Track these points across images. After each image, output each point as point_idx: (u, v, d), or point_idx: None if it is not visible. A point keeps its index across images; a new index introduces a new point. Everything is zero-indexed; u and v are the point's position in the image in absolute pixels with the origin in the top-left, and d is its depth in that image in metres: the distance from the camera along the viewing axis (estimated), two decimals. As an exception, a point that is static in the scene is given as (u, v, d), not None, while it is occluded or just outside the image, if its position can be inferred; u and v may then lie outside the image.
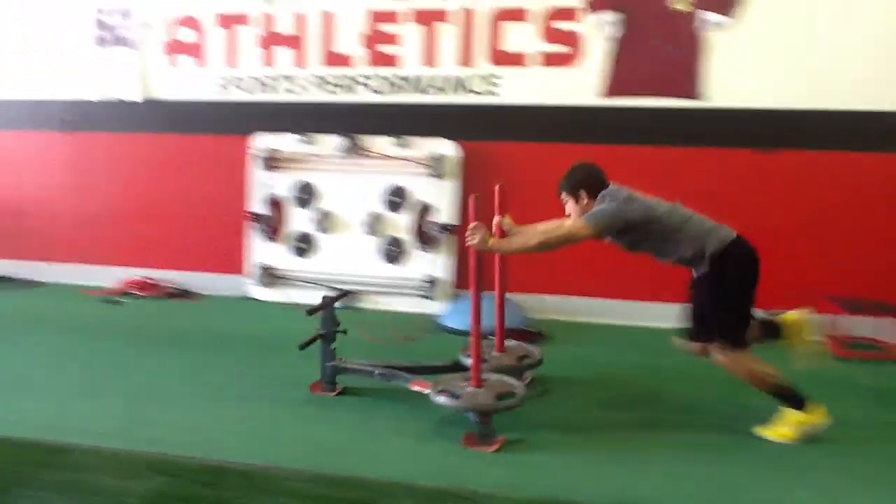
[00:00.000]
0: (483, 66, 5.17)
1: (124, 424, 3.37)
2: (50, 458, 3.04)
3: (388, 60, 5.30)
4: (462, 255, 5.20)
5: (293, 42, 5.42)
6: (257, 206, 5.47)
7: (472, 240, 3.15)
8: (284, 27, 5.42)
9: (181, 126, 5.65)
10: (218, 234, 5.61)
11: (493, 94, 5.18)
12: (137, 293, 5.51)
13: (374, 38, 5.31)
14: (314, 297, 4.40)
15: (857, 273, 4.75)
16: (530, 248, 3.28)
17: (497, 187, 3.66)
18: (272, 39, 5.45)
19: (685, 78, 4.92)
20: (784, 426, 3.18)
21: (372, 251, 5.34)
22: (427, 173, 5.22)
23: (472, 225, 3.16)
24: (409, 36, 5.25)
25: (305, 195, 5.42)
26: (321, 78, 5.40)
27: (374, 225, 5.31)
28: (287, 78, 5.45)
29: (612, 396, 3.78)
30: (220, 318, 5.11)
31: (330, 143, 5.38)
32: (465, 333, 3.94)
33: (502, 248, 3.42)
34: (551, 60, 5.07)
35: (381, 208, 5.32)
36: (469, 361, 3.32)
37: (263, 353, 4.28)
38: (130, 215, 5.79)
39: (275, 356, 4.18)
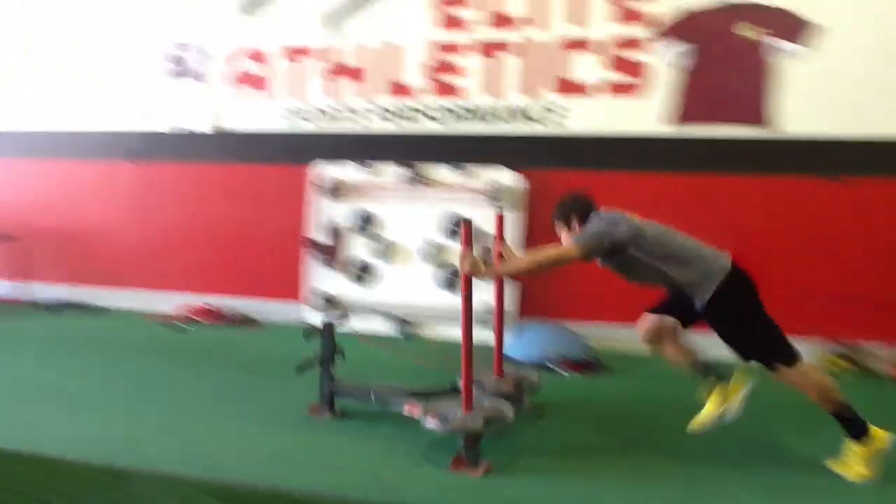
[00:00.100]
0: (547, 95, 5.14)
1: (183, 449, 3.36)
2: (114, 481, 3.02)
3: (450, 90, 5.32)
4: (525, 284, 5.12)
5: (356, 73, 5.48)
6: (318, 234, 5.49)
7: (464, 266, 3.15)
8: (348, 58, 5.49)
9: (246, 156, 5.74)
10: (279, 261, 5.64)
11: (558, 123, 5.13)
12: (200, 319, 5.56)
13: (437, 69, 5.33)
14: (373, 325, 4.40)
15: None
16: (521, 270, 3.40)
17: (496, 215, 3.75)
18: (336, 71, 5.52)
19: (753, 106, 4.82)
20: (856, 464, 3.02)
21: (431, 280, 5.30)
22: (488, 203, 5.17)
23: (462, 251, 3.17)
24: (472, 66, 5.26)
25: (366, 223, 5.42)
26: (384, 108, 5.44)
27: (433, 254, 5.27)
28: (350, 108, 5.50)
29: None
30: (277, 344, 5.10)
31: (391, 172, 5.39)
32: (530, 364, 3.88)
33: (493, 273, 3.43)
34: (618, 90, 5.02)
35: (441, 237, 5.29)
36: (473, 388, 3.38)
37: (313, 380, 4.22)
38: (195, 243, 5.88)
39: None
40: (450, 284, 5.24)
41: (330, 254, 5.47)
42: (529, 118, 5.19)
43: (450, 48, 5.30)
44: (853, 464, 3.03)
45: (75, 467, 3.11)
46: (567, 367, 4.49)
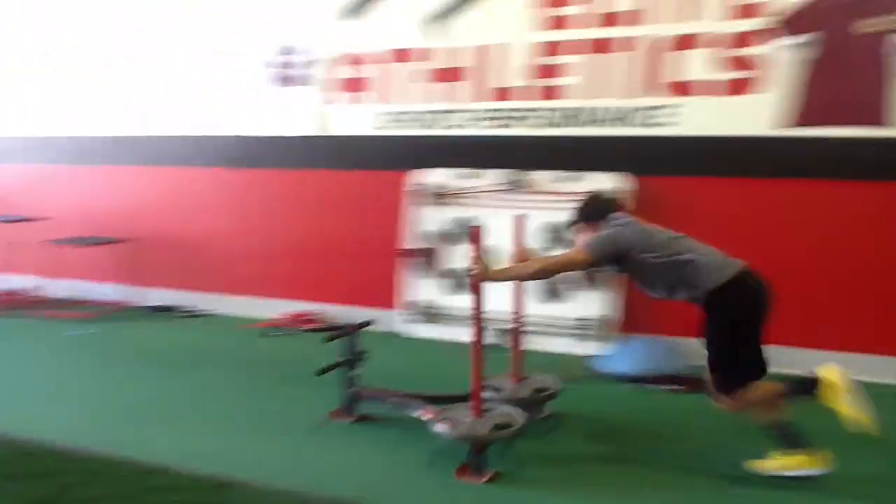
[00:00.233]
0: (655, 96, 4.87)
1: (273, 460, 3.33)
2: (216, 494, 3.01)
3: (553, 93, 5.11)
4: (630, 294, 4.88)
5: (455, 76, 5.35)
6: (415, 241, 5.40)
7: (474, 270, 3.18)
8: (449, 62, 5.36)
9: (344, 161, 5.70)
10: (376, 269, 5.57)
11: (666, 125, 4.85)
12: (297, 326, 5.56)
13: (540, 71, 5.13)
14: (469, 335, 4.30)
15: None
16: (528, 274, 3.35)
17: (516, 219, 3.74)
18: (437, 74, 5.41)
19: (874, 105, 4.41)
20: (778, 461, 3.08)
21: (532, 289, 5.11)
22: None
23: (472, 255, 3.18)
24: (577, 67, 5.04)
25: (464, 230, 5.27)
26: (483, 112, 5.29)
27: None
28: (448, 112, 5.38)
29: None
30: (372, 353, 5.04)
31: (490, 178, 5.23)
32: (630, 378, 3.72)
33: (501, 277, 3.38)
34: (731, 89, 4.70)
35: (542, 244, 5.09)
36: (487, 393, 3.43)
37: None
38: (295, 249, 5.89)
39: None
40: (550, 294, 5.05)
41: (427, 262, 5.36)
42: (635, 120, 4.93)
43: (553, 48, 5.10)
44: (776, 460, 3.08)
45: (178, 478, 3.13)
46: (663, 383, 4.28)
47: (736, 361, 3.08)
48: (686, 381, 4.18)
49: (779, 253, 4.51)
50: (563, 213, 4.95)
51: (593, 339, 4.93)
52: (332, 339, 3.71)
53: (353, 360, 3.74)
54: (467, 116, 5.34)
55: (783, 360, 4.33)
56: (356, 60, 5.63)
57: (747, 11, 4.64)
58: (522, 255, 3.67)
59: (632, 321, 4.93)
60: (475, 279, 3.20)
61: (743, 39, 4.66)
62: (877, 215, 4.48)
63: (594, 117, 5.03)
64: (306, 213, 5.85)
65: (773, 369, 3.10)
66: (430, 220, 5.38)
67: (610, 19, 4.94)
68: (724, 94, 4.72)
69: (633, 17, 4.89)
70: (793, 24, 4.57)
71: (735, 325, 3.06)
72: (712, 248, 3.17)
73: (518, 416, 3.26)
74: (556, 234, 5.01)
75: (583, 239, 3.33)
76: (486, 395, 3.38)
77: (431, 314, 5.35)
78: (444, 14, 5.36)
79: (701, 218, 4.64)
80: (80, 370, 4.74)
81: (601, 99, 5.00)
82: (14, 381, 4.49)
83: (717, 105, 4.74)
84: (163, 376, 4.57)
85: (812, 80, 4.55)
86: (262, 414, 3.94)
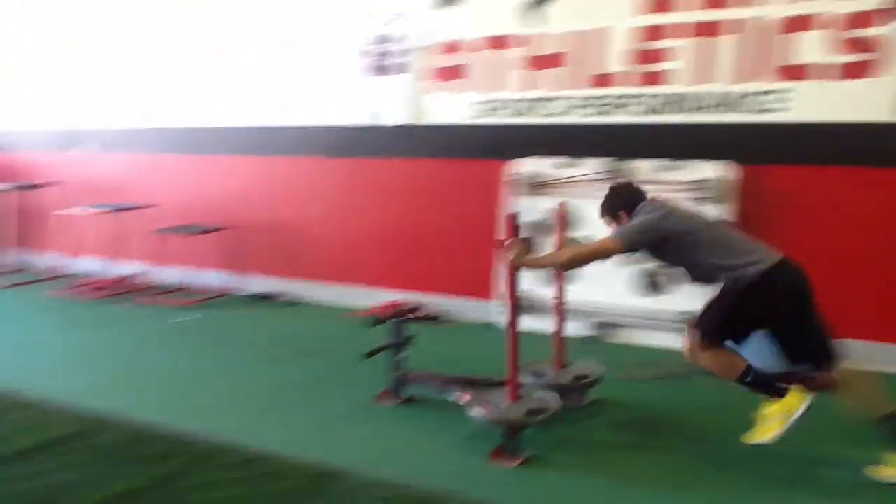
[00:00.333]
0: (765, 80, 4.66)
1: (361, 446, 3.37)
2: (318, 483, 3.06)
3: (656, 78, 4.96)
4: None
5: (556, 63, 5.25)
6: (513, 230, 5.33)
7: (508, 255, 3.26)
8: (548, 48, 5.26)
9: (442, 150, 5.69)
10: (472, 259, 5.54)
11: (776, 111, 4.65)
12: (392, 316, 5.58)
13: (642, 56, 4.99)
14: (569, 327, 4.34)
15: None
16: (560, 263, 3.42)
17: (559, 205, 3.85)
18: (535, 61, 5.32)
19: None
20: (766, 422, 3.03)
21: (630, 281, 4.99)
22: (696, 198, 4.78)
23: (508, 241, 3.27)
24: (681, 51, 4.87)
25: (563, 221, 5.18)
26: (584, 99, 5.17)
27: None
28: (549, 100, 5.28)
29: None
30: (464, 343, 5.04)
31: (591, 166, 5.12)
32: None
33: (534, 264, 3.45)
34: (847, 72, 4.45)
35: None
36: (528, 379, 3.58)
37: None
38: (391, 238, 5.92)
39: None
40: (650, 287, 4.92)
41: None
42: (742, 106, 4.73)
43: (656, 32, 4.94)
44: (764, 425, 3.04)
45: (282, 465, 3.19)
46: (786, 381, 4.07)
47: (729, 326, 3.10)
48: (791, 380, 4.01)
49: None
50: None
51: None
52: (376, 323, 3.92)
53: (399, 344, 3.87)
54: (566, 104, 5.24)
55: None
56: (452, 48, 5.59)
57: (867, -12, 4.40)
58: (563, 244, 3.73)
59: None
60: (511, 264, 3.28)
61: (860, 20, 4.41)
62: None
63: (698, 103, 4.86)
64: (403, 202, 5.87)
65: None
66: (527, 209, 5.30)
67: (717, 1, 4.75)
68: (839, 79, 4.48)
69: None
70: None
71: (759, 310, 3.06)
72: (747, 236, 3.24)
73: (553, 402, 3.32)
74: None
75: (613, 228, 3.38)
76: (526, 380, 3.54)
77: (527, 305, 5.28)
78: (542, -1, 5.27)
79: (809, 208, 4.45)
80: (185, 355, 4.90)
81: (706, 84, 4.83)
82: (124, 365, 4.67)
83: (831, 90, 4.51)
84: (264, 363, 4.66)
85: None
86: (352, 401, 3.98)
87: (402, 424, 3.68)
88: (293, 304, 6.17)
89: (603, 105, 5.13)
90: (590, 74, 5.15)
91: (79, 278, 6.92)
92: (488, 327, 5.35)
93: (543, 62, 5.30)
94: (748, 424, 3.17)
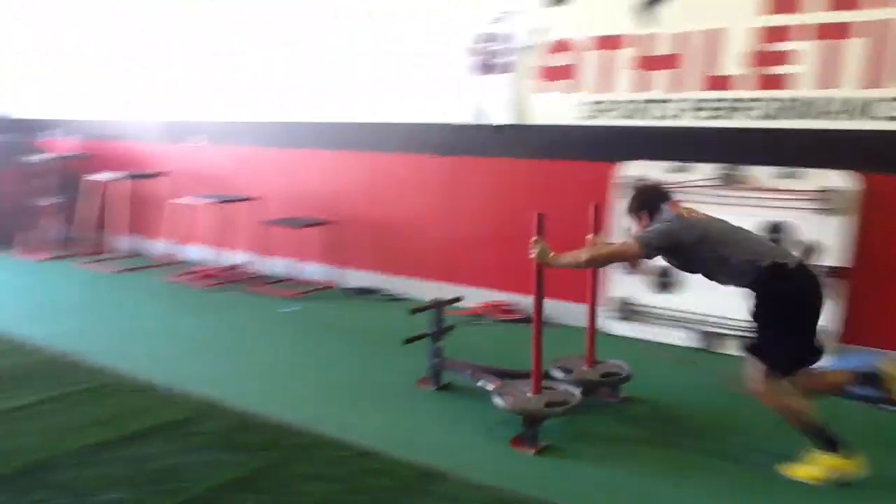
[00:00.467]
0: (896, 85, 4.41)
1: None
2: (421, 482, 3.07)
3: (776, 82, 4.75)
4: (853, 303, 4.48)
5: (670, 64, 5.09)
6: (620, 237, 5.21)
7: (533, 252, 3.43)
8: (661, 49, 5.11)
9: (547, 151, 5.61)
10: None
11: (908, 118, 4.39)
12: (494, 316, 5.55)
13: (762, 58, 4.78)
14: (672, 336, 4.29)
15: None
16: (580, 262, 3.49)
17: (592, 206, 3.98)
18: (647, 62, 5.18)
19: None
20: (813, 466, 3.06)
21: (741, 291, 4.80)
22: (815, 209, 4.57)
23: (533, 238, 3.43)
24: (804, 54, 4.65)
25: (672, 227, 5.04)
26: (698, 101, 5.00)
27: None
28: (661, 102, 5.13)
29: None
30: (565, 348, 4.95)
31: (703, 171, 4.96)
32: (851, 397, 3.72)
33: (556, 262, 3.50)
34: None
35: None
36: (558, 374, 3.82)
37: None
38: (493, 238, 5.87)
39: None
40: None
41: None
42: (871, 112, 4.48)
43: (777, 34, 4.72)
44: (810, 466, 3.05)
45: (385, 462, 3.21)
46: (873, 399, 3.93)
47: (782, 348, 3.10)
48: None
49: None
50: (779, 212, 4.66)
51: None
52: (415, 311, 4.14)
53: (438, 333, 4.07)
54: (678, 106, 5.08)
55: None
56: (561, 48, 5.50)
57: None
58: (592, 244, 3.88)
59: (854, 333, 4.53)
60: (536, 262, 3.45)
61: None
62: None
63: (821, 109, 4.63)
64: (506, 202, 5.82)
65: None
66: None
67: (847, 2, 4.51)
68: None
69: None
70: None
71: (784, 316, 3.08)
72: (765, 240, 3.33)
73: (573, 396, 3.50)
74: (773, 235, 4.68)
75: (636, 229, 3.48)
76: (554, 374, 3.83)
77: (631, 312, 5.16)
78: (657, -2, 5.12)
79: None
80: (286, 345, 4.99)
81: (832, 89, 4.59)
82: (229, 353, 4.79)
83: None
84: (365, 357, 4.70)
85: None
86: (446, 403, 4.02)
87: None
88: (393, 299, 6.20)
89: (717, 108, 4.95)
90: (704, 76, 4.98)
91: (188, 265, 7.14)
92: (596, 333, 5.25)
93: (656, 63, 5.16)
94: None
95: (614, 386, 3.98)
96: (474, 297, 5.78)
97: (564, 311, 5.44)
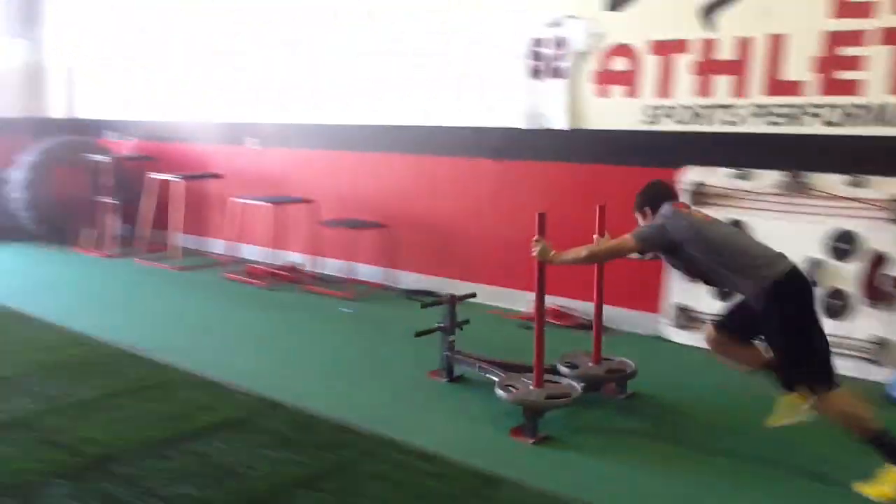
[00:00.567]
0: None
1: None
2: (483, 488, 3.06)
3: (845, 87, 4.63)
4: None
5: (733, 68, 5.00)
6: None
7: (535, 251, 3.57)
8: (724, 53, 5.03)
9: (605, 156, 5.55)
10: (639, 269, 5.35)
11: None
12: (552, 321, 5.50)
13: (830, 62, 4.67)
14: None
15: None
16: (580, 259, 3.58)
17: (598, 208, 4.11)
18: (710, 66, 5.09)
19: None
20: (885, 484, 2.94)
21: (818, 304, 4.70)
22: (885, 218, 4.44)
23: (535, 238, 3.58)
24: (876, 59, 4.53)
25: (734, 234, 4.95)
26: (763, 107, 4.91)
27: (813, 273, 4.65)
28: (724, 107, 5.04)
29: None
30: (623, 354, 4.90)
31: (767, 178, 4.86)
32: None
33: (557, 260, 3.59)
34: None
35: (823, 255, 4.66)
36: (564, 369, 3.94)
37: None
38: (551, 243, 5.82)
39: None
40: (832, 310, 4.60)
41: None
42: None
43: (845, 38, 4.61)
44: (882, 483, 2.94)
45: (447, 466, 3.21)
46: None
47: (817, 355, 3.06)
48: None
49: None
50: (848, 221, 4.54)
51: (882, 364, 4.43)
52: (426, 305, 4.39)
53: (451, 327, 4.23)
54: (741, 112, 4.99)
55: None
56: (620, 52, 5.44)
57: None
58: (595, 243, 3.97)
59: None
60: (537, 260, 3.59)
61: None
62: None
63: (891, 115, 4.50)
64: (563, 207, 5.73)
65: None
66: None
67: (923, 6, 4.39)
68: None
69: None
70: None
71: (800, 316, 3.08)
72: (763, 244, 3.31)
73: (573, 390, 3.64)
74: (840, 245, 4.57)
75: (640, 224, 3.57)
76: (562, 369, 3.94)
77: (691, 319, 5.08)
78: (720, 1, 5.03)
79: None
80: (344, 345, 5.02)
81: (903, 95, 4.47)
82: (287, 351, 4.84)
83: None
84: (420, 359, 4.69)
85: None
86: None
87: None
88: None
89: (782, 114, 4.85)
90: (769, 81, 4.88)
91: (244, 264, 7.23)
92: (656, 339, 5.19)
93: (717, 68, 5.07)
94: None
95: (621, 382, 4.08)
96: (529, 301, 5.74)
97: (626, 318, 5.40)
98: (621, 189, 5.39)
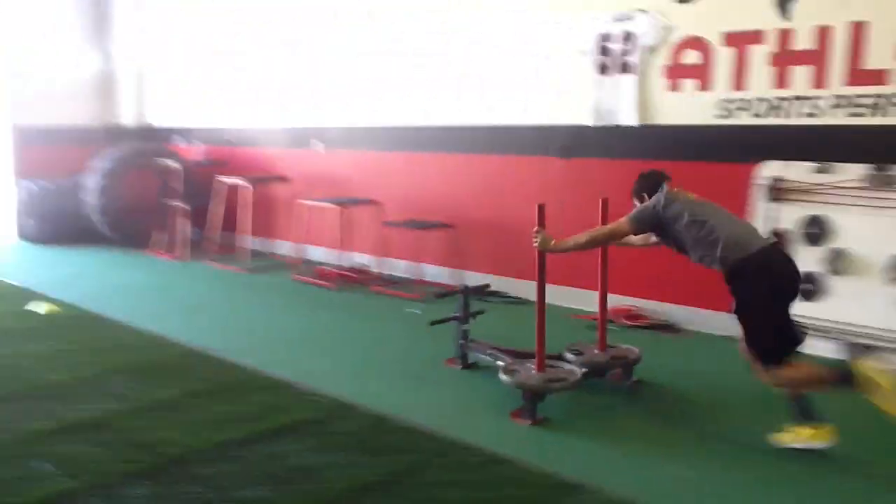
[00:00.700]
0: None
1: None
2: (557, 494, 3.00)
3: (933, 76, 4.43)
4: None
5: (812, 59, 4.82)
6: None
7: (536, 241, 3.76)
8: (802, 42, 4.85)
9: (678, 152, 5.40)
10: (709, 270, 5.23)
11: None
12: (624, 322, 5.40)
13: (917, 50, 4.47)
14: (816, 347, 4.33)
15: None
16: (581, 244, 3.79)
17: (600, 200, 4.29)
18: (787, 57, 4.92)
19: None
20: (789, 433, 3.31)
21: (890, 300, 4.50)
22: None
23: (535, 229, 3.78)
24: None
25: (816, 231, 4.77)
26: (844, 97, 4.71)
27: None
28: (803, 99, 4.86)
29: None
30: (697, 356, 4.79)
31: (850, 172, 4.66)
32: None
33: (559, 248, 3.78)
34: None
35: (912, 251, 4.46)
36: (570, 356, 4.11)
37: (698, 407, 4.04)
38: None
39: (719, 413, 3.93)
40: (919, 308, 4.41)
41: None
42: None
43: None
44: (788, 433, 3.32)
45: (520, 471, 3.16)
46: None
47: (770, 335, 3.24)
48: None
49: None
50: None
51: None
52: (441, 295, 4.88)
53: (465, 317, 4.43)
54: (820, 104, 4.81)
55: None
56: (691, 45, 5.30)
57: None
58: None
59: None
60: (538, 249, 3.77)
61: None
62: None
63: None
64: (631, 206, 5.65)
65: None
66: (776, 217, 4.92)
67: None
68: None
69: None
70: None
71: (759, 299, 3.24)
72: (747, 223, 3.52)
73: (573, 375, 3.80)
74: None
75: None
76: (568, 356, 4.11)
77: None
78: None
79: None
80: (412, 348, 4.97)
81: None
82: (356, 353, 4.84)
83: None
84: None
85: None
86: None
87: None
88: (514, 302, 6.13)
89: (865, 105, 4.65)
90: (850, 71, 4.68)
91: (312, 266, 7.29)
92: (727, 339, 5.04)
93: (794, 59, 4.89)
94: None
95: (627, 370, 4.21)
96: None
97: (699, 318, 5.26)
98: (693, 186, 5.27)
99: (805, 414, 3.31)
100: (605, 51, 5.70)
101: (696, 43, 5.28)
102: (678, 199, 3.54)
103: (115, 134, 9.61)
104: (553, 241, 3.76)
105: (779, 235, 4.85)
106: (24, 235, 8.89)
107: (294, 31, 7.87)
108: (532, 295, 5.97)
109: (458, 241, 6.65)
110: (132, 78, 9.87)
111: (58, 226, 8.70)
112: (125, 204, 8.51)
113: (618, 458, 3.35)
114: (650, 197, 3.67)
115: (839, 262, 4.67)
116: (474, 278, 6.49)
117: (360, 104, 7.36)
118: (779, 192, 4.88)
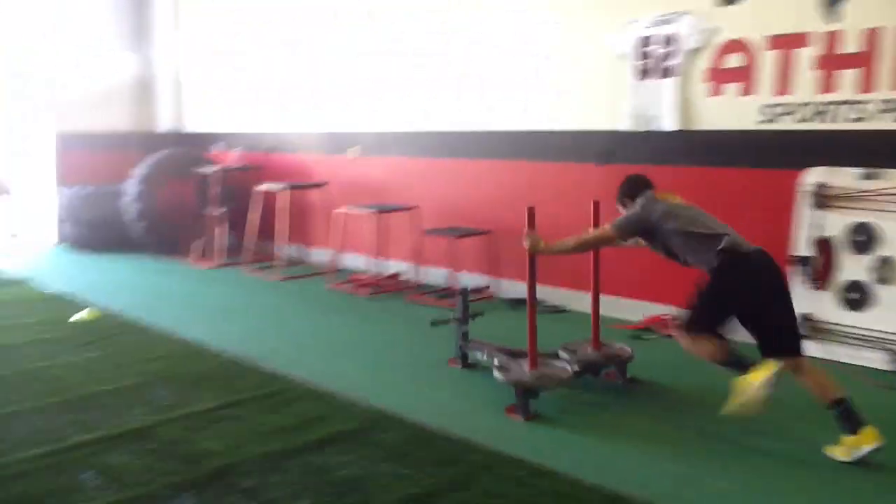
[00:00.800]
0: None
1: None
2: None
3: None
4: None
5: (859, 61, 4.71)
6: (803, 248, 4.87)
7: (526, 243, 3.87)
8: (850, 45, 4.75)
9: (720, 158, 5.32)
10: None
11: None
12: (661, 331, 5.32)
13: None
14: (864, 358, 4.35)
15: None
16: (568, 248, 3.96)
17: (592, 203, 4.38)
18: (833, 60, 4.81)
19: None
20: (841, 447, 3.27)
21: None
22: None
23: (526, 231, 3.88)
24: None
25: (863, 238, 4.66)
26: (894, 102, 4.60)
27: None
28: (850, 103, 4.76)
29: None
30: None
31: (899, 179, 4.56)
32: None
33: (547, 250, 3.94)
34: None
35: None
36: (565, 354, 4.24)
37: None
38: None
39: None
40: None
41: (817, 272, 4.81)
42: None
43: None
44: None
45: (565, 484, 3.11)
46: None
47: (713, 315, 3.44)
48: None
49: None
50: None
51: None
52: (443, 296, 5.07)
53: (465, 318, 4.57)
54: (871, 107, 4.69)
55: None
56: (734, 49, 5.21)
57: None
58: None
59: None
60: (528, 251, 3.88)
61: None
62: None
63: None
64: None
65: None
66: (822, 225, 4.82)
67: None
68: None
69: None
70: None
71: (734, 294, 3.41)
72: (730, 228, 3.53)
73: (564, 373, 3.97)
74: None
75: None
76: (562, 355, 4.23)
77: (815, 330, 4.80)
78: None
79: None
80: (447, 358, 4.92)
81: None
82: (396, 363, 4.81)
83: None
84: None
85: None
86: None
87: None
88: (554, 311, 6.07)
89: (917, 109, 4.55)
90: (899, 75, 4.58)
91: (349, 274, 7.29)
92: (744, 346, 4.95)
93: (841, 62, 4.79)
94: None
95: (621, 368, 4.34)
96: (639, 310, 5.58)
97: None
98: (736, 193, 5.19)
99: (849, 421, 3.28)
100: (645, 54, 5.63)
101: (740, 46, 5.19)
102: (665, 201, 3.67)
103: (153, 140, 9.70)
104: (543, 244, 3.90)
105: (822, 244, 4.76)
106: (64, 241, 9.02)
107: (330, 36, 7.89)
108: (573, 304, 5.99)
109: (495, 248, 6.61)
110: (171, 84, 9.97)
111: (96, 232, 8.79)
112: (162, 210, 8.58)
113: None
114: (632, 201, 3.80)
115: (887, 271, 4.55)
116: (513, 287, 6.45)
117: (397, 109, 7.37)
118: (824, 199, 4.78)
